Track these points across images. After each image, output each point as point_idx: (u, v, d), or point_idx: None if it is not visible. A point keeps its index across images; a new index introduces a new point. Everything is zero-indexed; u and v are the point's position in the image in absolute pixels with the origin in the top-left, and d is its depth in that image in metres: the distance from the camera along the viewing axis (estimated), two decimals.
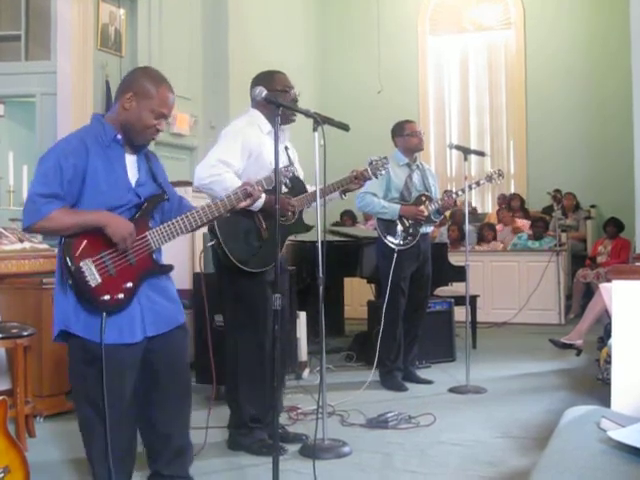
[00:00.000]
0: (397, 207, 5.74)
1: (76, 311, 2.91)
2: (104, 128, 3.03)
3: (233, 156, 3.98)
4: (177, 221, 3.10)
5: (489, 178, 6.01)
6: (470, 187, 5.97)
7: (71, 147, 2.95)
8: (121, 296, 2.93)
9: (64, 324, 2.94)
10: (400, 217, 5.74)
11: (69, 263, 2.86)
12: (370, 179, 4.46)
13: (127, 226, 2.94)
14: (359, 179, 4.36)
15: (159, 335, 3.08)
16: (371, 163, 4.40)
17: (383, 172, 4.48)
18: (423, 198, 5.86)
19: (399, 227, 5.74)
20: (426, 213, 5.77)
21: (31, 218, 2.89)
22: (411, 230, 5.76)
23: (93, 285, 2.86)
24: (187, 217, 3.12)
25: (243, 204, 3.29)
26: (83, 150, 2.93)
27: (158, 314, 3.07)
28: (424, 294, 6.01)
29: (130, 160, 3.09)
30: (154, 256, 3.08)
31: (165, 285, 3.16)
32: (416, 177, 5.93)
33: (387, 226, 5.76)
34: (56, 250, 4.88)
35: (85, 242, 2.90)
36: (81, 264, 2.86)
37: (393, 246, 5.69)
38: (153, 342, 3.07)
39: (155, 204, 3.11)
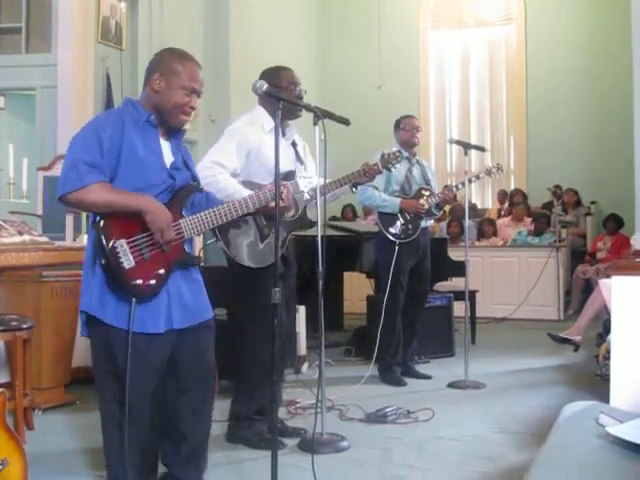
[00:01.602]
0: (398, 200, 5.75)
1: (102, 295, 2.81)
2: (137, 109, 2.95)
3: (228, 157, 3.98)
4: (210, 212, 3.06)
5: (488, 172, 6.02)
6: (470, 181, 5.98)
7: (107, 120, 2.89)
8: (153, 282, 2.84)
9: (87, 306, 2.84)
10: (401, 210, 5.74)
11: (104, 241, 2.76)
12: (381, 173, 4.45)
13: (167, 217, 2.86)
14: (370, 173, 4.34)
15: (186, 331, 2.99)
16: (382, 157, 4.38)
17: (397, 165, 4.48)
18: (423, 192, 5.86)
19: (400, 221, 5.74)
20: (427, 206, 5.77)
21: (70, 185, 2.75)
22: (411, 224, 5.76)
23: (127, 267, 2.77)
24: (221, 209, 3.10)
25: (273, 204, 3.28)
26: (119, 123, 2.85)
27: (185, 307, 2.98)
28: (423, 289, 6.01)
29: (164, 144, 3.02)
30: (185, 246, 3.01)
31: (195, 278, 3.08)
32: (416, 171, 5.94)
33: (388, 220, 5.76)
34: (57, 243, 4.87)
35: (121, 222, 2.81)
36: (116, 244, 2.77)
37: (394, 239, 5.69)
38: (179, 337, 2.98)
39: (189, 193, 3.04)
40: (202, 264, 3.09)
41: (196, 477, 3.18)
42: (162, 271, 2.87)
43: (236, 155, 4.00)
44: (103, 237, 2.76)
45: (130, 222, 2.81)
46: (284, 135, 4.09)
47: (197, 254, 4.52)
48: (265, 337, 4.00)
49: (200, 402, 3.14)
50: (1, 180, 6.10)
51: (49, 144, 7.72)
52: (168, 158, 2.99)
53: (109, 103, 8.23)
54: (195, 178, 3.14)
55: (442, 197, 5.89)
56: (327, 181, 4.20)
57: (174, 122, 3.01)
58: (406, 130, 5.89)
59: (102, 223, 2.78)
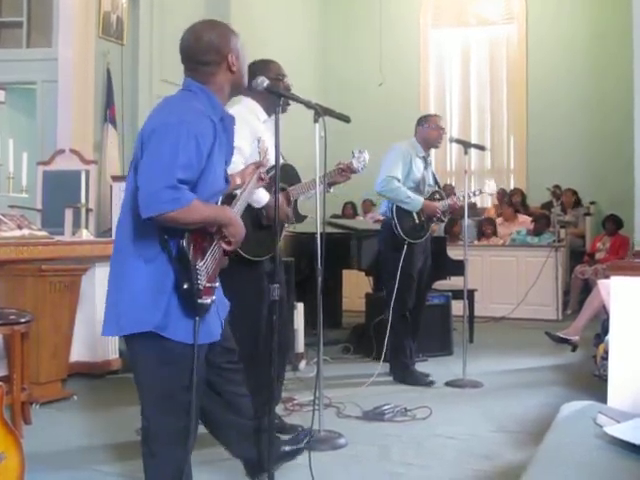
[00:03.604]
0: (421, 200, 5.70)
1: (168, 312, 2.61)
2: (213, 104, 2.73)
3: (245, 142, 3.93)
4: (240, 200, 3.00)
5: (488, 190, 6.04)
6: (474, 193, 6.03)
7: (202, 124, 2.61)
8: (214, 297, 2.71)
9: (153, 325, 2.60)
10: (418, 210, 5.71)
11: (194, 264, 2.58)
12: (356, 172, 4.40)
13: (243, 227, 2.79)
14: (346, 172, 4.33)
15: None
16: (354, 156, 4.36)
17: (364, 166, 4.42)
18: (437, 196, 5.84)
19: (415, 220, 5.69)
20: (440, 211, 5.75)
21: (166, 207, 2.47)
22: (423, 225, 5.72)
23: (202, 288, 2.61)
24: (244, 193, 3.05)
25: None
26: (212, 130, 2.63)
27: (220, 303, 2.89)
28: (425, 287, 6.00)
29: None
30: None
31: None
32: (430, 171, 5.92)
33: (403, 217, 5.65)
34: (56, 237, 4.83)
35: (197, 240, 2.62)
36: (199, 266, 2.60)
37: (405, 238, 5.61)
38: None
39: (225, 194, 2.91)
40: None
41: None
42: (217, 283, 2.77)
43: (250, 141, 3.96)
44: (191, 258, 2.59)
45: (202, 238, 2.66)
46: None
47: None
48: (253, 334, 4.02)
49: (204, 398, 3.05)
50: (1, 174, 6.09)
51: (49, 139, 7.71)
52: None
53: (109, 98, 8.22)
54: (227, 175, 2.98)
55: (452, 205, 5.85)
56: (305, 181, 4.21)
57: (245, 88, 2.97)
58: (434, 129, 5.80)
59: (185, 244, 2.58)
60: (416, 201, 5.67)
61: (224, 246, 2.75)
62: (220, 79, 2.80)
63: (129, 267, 2.65)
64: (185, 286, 2.58)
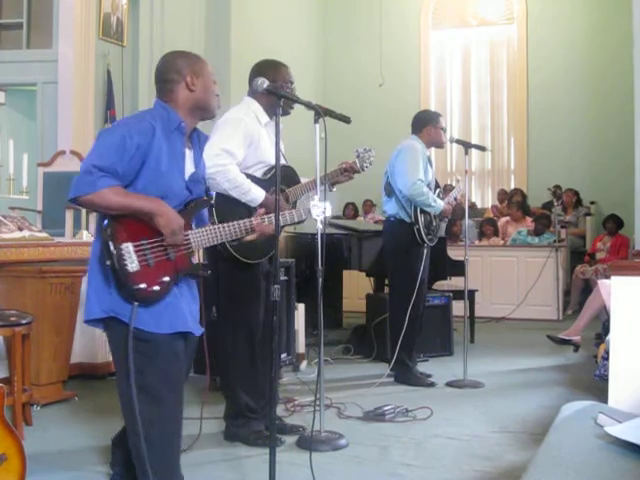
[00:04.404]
0: (442, 203, 5.67)
1: (118, 298, 2.80)
2: (169, 114, 2.95)
3: (237, 146, 3.93)
4: (221, 228, 3.05)
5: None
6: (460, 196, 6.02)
7: (138, 126, 2.85)
8: (157, 288, 2.81)
9: (113, 311, 2.82)
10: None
11: (110, 244, 2.75)
12: (359, 172, 4.39)
13: (179, 220, 2.86)
14: (349, 172, 4.32)
15: (190, 340, 3.02)
16: (358, 155, 4.35)
17: (368, 165, 4.42)
18: (441, 197, 5.83)
19: (432, 223, 5.67)
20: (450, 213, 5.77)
21: (82, 189, 2.73)
22: (438, 227, 5.73)
23: (131, 270, 2.76)
24: (231, 226, 3.08)
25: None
26: (150, 130, 2.84)
27: (194, 316, 3.01)
28: (426, 289, 5.99)
29: (188, 154, 3.02)
30: (191, 258, 2.99)
31: (195, 288, 3.09)
32: (432, 172, 5.91)
33: (427, 221, 5.62)
34: (57, 239, 4.84)
35: (129, 225, 2.80)
36: (122, 246, 2.76)
37: (427, 242, 5.61)
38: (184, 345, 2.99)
39: (201, 207, 3.04)
40: (200, 261, 3.04)
41: None
42: (167, 279, 2.85)
43: (242, 144, 3.95)
44: (109, 238, 2.76)
45: (138, 226, 2.81)
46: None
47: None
48: (249, 333, 4.02)
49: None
50: (1, 176, 6.10)
51: (49, 140, 7.73)
52: (189, 168, 3.01)
53: (110, 99, 8.24)
54: (208, 193, 3.16)
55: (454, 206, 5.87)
56: (305, 181, 4.21)
57: (212, 111, 3.10)
58: (440, 128, 5.73)
59: (109, 225, 2.78)
60: (439, 204, 5.65)
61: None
62: (179, 96, 2.99)
63: (92, 255, 2.90)
64: (107, 262, 2.76)
